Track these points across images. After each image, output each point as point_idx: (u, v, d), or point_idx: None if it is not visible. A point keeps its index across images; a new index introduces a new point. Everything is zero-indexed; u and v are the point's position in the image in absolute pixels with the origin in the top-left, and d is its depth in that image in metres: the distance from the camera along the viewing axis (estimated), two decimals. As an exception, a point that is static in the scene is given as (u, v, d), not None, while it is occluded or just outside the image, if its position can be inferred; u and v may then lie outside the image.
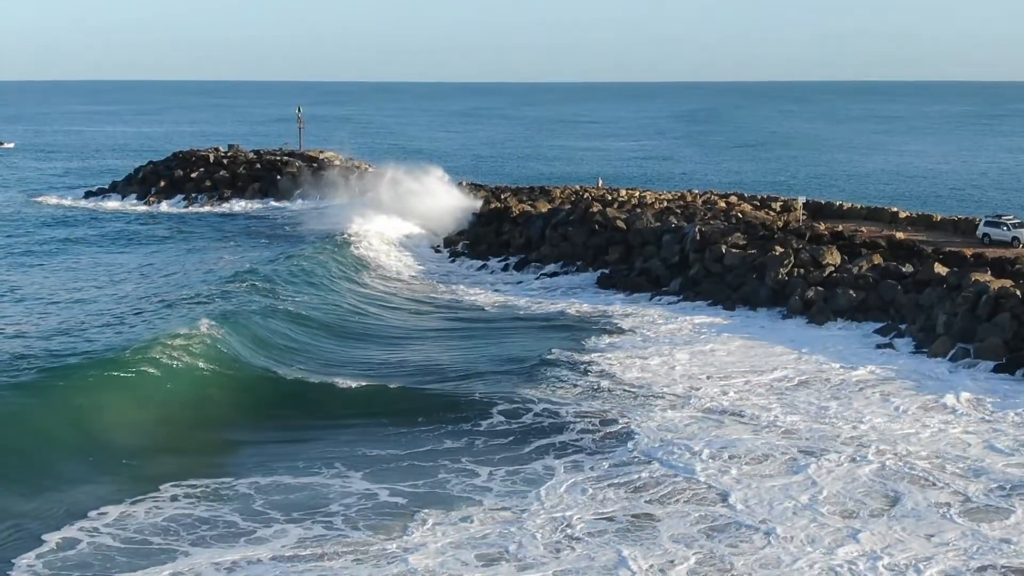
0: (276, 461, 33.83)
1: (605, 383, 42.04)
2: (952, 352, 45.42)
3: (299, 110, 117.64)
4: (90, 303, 54.80)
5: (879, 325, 50.44)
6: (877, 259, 55.72)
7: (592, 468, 33.10)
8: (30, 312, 52.34)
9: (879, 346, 47.93)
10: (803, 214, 71.05)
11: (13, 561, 26.61)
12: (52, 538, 27.89)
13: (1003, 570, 26.45)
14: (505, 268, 68.93)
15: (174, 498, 30.66)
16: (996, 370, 43.39)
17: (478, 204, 79.86)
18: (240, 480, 32.09)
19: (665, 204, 76.37)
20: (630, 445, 34.94)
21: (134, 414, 36.98)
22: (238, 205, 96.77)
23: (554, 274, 66.09)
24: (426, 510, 29.79)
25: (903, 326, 49.58)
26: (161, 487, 31.27)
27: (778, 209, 74.56)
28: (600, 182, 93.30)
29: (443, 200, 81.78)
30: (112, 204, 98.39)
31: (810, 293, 53.76)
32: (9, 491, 30.84)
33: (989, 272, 50.26)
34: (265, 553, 27.19)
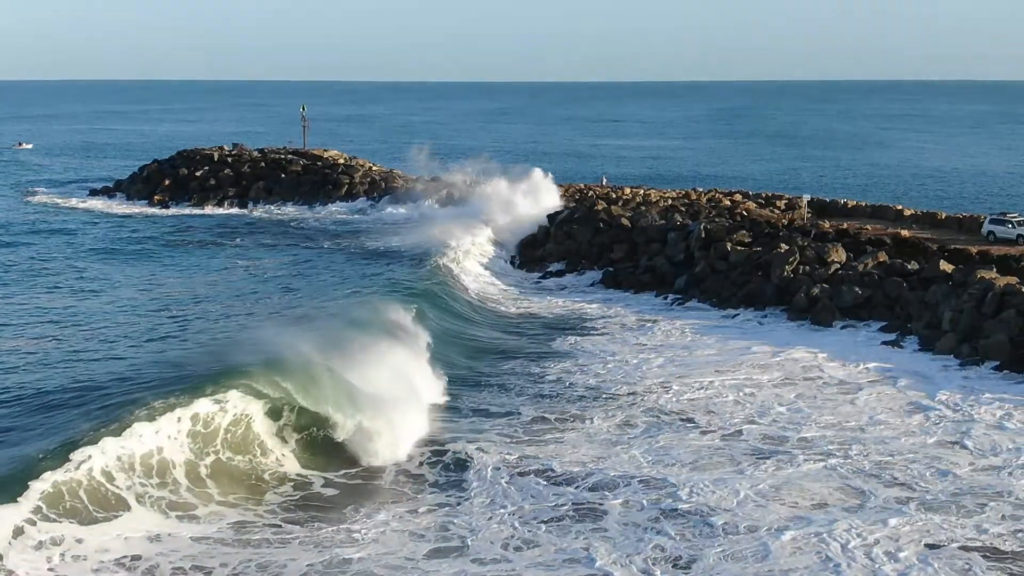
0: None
1: (572, 381, 41.79)
2: (958, 349, 45.41)
3: (303, 109, 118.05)
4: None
5: (884, 323, 50.43)
6: (882, 256, 55.67)
7: (542, 462, 32.76)
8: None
9: (884, 343, 47.88)
10: (808, 212, 71.03)
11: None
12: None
13: (959, 545, 26.67)
14: (510, 267, 68.87)
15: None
16: (999, 369, 43.21)
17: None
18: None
19: (669, 202, 76.32)
20: (589, 440, 34.77)
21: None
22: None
23: (559, 272, 65.98)
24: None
25: (910, 324, 49.50)
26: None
27: (782, 207, 74.57)
28: (604, 180, 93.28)
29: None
30: (170, 209, 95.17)
31: (815, 290, 53.66)
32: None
33: (994, 269, 50.30)
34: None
